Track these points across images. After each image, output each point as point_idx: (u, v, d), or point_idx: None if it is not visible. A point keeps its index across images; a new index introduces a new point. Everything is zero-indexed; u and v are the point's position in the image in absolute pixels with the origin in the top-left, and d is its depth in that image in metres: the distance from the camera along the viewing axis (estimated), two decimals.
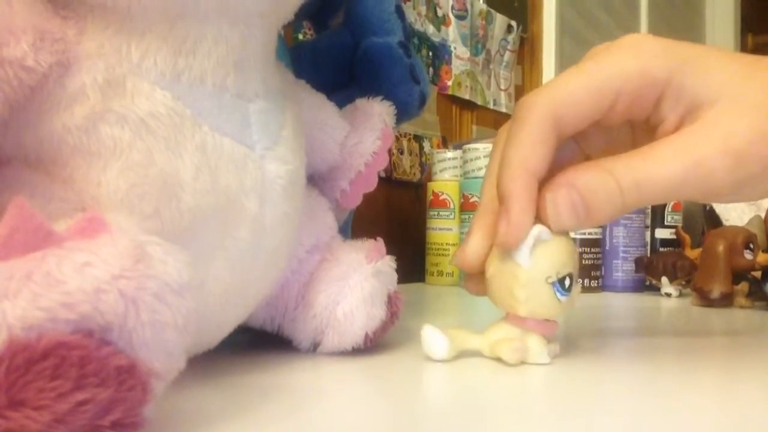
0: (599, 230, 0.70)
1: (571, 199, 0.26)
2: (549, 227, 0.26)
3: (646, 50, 0.26)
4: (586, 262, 0.68)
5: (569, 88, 0.26)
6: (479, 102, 1.02)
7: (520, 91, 1.15)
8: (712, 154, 0.25)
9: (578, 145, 0.31)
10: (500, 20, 1.06)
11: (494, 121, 1.07)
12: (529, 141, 0.26)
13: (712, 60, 0.26)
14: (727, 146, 0.25)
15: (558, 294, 0.27)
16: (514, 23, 1.10)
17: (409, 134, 0.86)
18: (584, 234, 0.68)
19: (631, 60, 0.26)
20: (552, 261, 0.27)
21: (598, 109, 0.27)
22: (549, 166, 0.27)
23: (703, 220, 0.84)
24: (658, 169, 0.25)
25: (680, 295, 0.64)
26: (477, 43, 1.01)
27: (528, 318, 0.28)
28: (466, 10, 0.98)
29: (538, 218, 0.27)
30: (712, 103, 0.25)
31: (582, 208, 0.26)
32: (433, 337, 0.28)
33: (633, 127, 0.30)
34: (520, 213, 0.26)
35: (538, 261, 0.27)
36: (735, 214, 0.80)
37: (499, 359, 0.28)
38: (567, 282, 0.27)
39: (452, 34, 0.96)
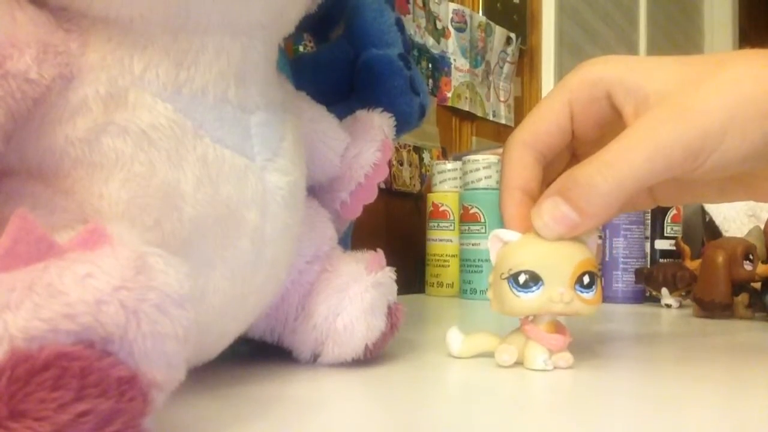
0: (599, 242, 0.70)
1: (554, 205, 0.27)
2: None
3: (589, 64, 0.31)
4: None
5: (530, 116, 0.32)
6: (479, 113, 1.03)
7: (519, 103, 1.15)
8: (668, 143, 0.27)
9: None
10: (499, 32, 1.07)
11: (494, 132, 1.07)
12: (510, 165, 0.31)
13: (647, 59, 0.30)
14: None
15: (515, 290, 0.28)
16: (513, 35, 1.11)
17: (409, 145, 0.86)
18: None
19: (574, 75, 0.31)
20: (507, 259, 0.28)
21: (559, 124, 0.31)
22: (538, 181, 0.31)
23: (702, 232, 0.84)
24: (627, 145, 0.27)
25: (680, 306, 0.64)
26: (476, 55, 1.02)
27: (532, 327, 0.29)
28: (466, 23, 0.99)
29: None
30: (656, 92, 0.28)
31: (571, 210, 0.27)
32: (451, 336, 0.31)
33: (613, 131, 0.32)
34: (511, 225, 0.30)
35: (498, 260, 0.29)
36: (735, 225, 0.80)
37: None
38: (522, 278, 0.28)
39: (452, 46, 0.96)
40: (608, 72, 0.30)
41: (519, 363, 0.29)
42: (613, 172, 0.26)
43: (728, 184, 0.32)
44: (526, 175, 0.31)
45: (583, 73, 0.30)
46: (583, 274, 0.28)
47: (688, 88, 0.27)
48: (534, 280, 0.28)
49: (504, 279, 0.28)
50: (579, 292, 0.28)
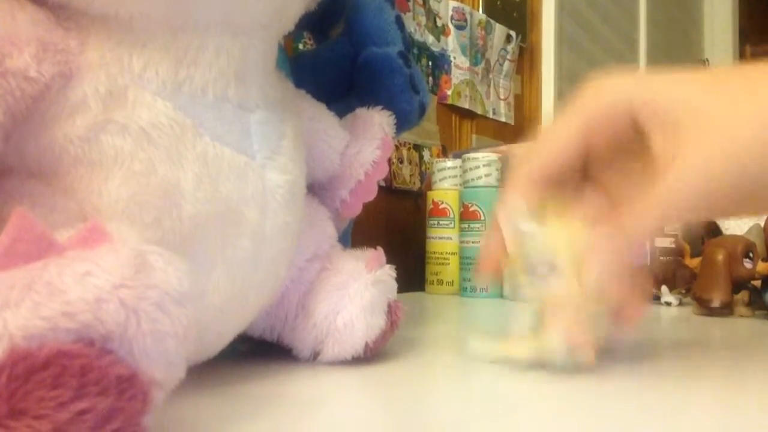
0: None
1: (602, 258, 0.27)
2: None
3: (605, 86, 0.29)
4: None
5: (546, 149, 0.30)
6: (479, 111, 1.02)
7: (519, 100, 1.15)
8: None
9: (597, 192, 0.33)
10: (499, 30, 1.07)
11: (494, 130, 1.07)
12: (514, 195, 0.30)
13: (668, 78, 0.29)
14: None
15: (537, 279, 0.29)
16: (513, 33, 1.10)
17: (409, 143, 0.86)
18: None
19: (592, 99, 0.29)
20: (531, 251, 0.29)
21: (572, 156, 0.30)
22: (540, 194, 0.30)
23: (702, 230, 0.84)
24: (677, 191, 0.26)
25: (680, 304, 0.64)
26: (476, 52, 1.02)
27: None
28: (466, 20, 0.99)
29: None
30: (687, 118, 0.27)
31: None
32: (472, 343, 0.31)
33: (636, 154, 0.31)
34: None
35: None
36: (734, 223, 0.80)
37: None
38: (546, 269, 0.28)
39: (452, 43, 0.96)
40: (629, 94, 0.28)
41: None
42: (662, 214, 0.27)
43: (745, 199, 0.32)
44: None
45: (602, 97, 0.29)
46: None
47: (722, 108, 0.26)
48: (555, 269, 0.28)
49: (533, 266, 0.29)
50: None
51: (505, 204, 0.30)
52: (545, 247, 0.28)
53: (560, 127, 0.30)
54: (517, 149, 0.77)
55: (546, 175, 0.30)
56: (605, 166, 0.32)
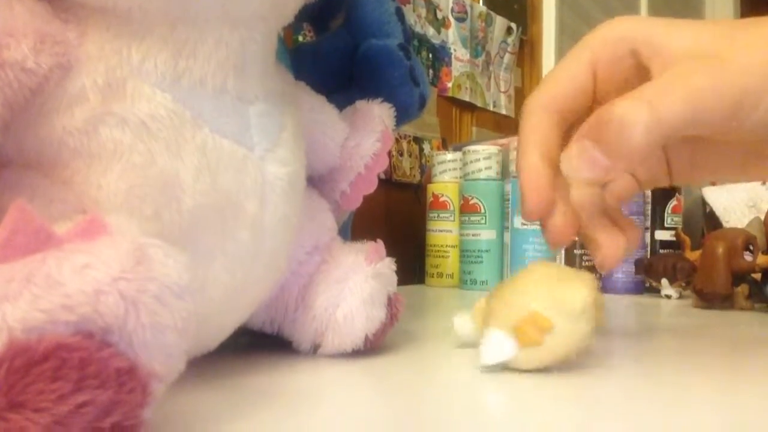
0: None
1: (583, 149, 0.26)
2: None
3: (610, 23, 0.29)
4: (587, 264, 0.68)
5: (549, 77, 0.30)
6: (479, 104, 1.02)
7: (519, 93, 1.15)
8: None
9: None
10: (500, 22, 1.06)
11: (494, 122, 1.07)
12: (530, 132, 0.30)
13: (675, 21, 0.28)
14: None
15: None
16: (513, 25, 1.10)
17: (409, 136, 0.86)
18: None
19: (596, 34, 0.30)
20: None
21: (580, 85, 0.29)
22: (559, 147, 0.29)
23: (702, 222, 0.84)
24: (660, 88, 0.25)
25: (680, 297, 0.64)
26: (477, 45, 1.02)
27: None
28: (466, 13, 0.98)
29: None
30: (685, 52, 0.26)
31: (598, 153, 0.26)
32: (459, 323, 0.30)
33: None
34: (532, 189, 0.29)
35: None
36: (735, 216, 0.80)
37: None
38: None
39: (452, 36, 0.96)
40: (633, 30, 0.28)
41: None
42: (650, 108, 0.25)
43: (752, 159, 0.31)
44: (546, 142, 0.29)
45: (605, 32, 0.29)
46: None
47: (720, 43, 0.26)
48: None
49: None
50: None
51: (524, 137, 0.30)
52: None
53: (568, 60, 0.30)
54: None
55: (557, 104, 0.30)
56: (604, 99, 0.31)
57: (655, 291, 0.66)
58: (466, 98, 0.99)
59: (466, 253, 0.73)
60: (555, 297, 0.26)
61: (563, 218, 0.30)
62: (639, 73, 0.28)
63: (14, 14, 0.19)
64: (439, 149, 0.90)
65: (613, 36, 0.29)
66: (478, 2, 1.03)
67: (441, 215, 0.77)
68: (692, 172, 0.33)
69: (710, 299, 0.55)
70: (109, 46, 0.21)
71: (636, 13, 1.62)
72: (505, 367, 0.26)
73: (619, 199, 0.34)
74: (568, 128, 0.30)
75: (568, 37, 1.25)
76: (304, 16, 0.28)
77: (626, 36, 0.28)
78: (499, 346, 0.26)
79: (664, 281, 0.63)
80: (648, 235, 0.73)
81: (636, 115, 0.25)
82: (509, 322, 0.26)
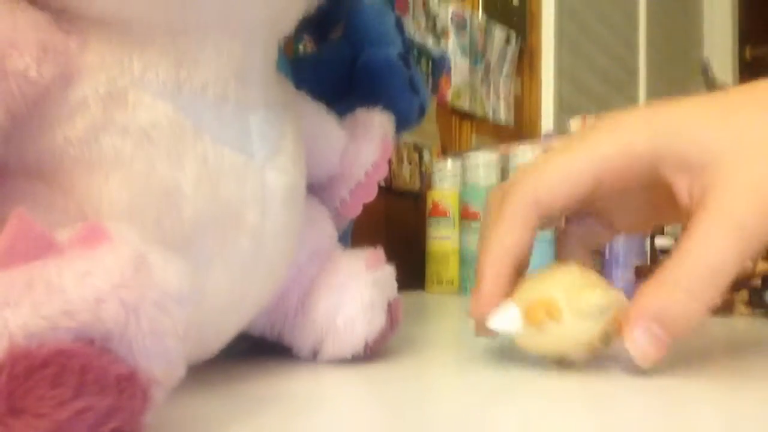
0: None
1: (650, 333, 0.26)
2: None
3: (624, 129, 0.28)
4: None
5: (549, 174, 0.28)
6: (478, 112, 1.03)
7: (518, 102, 1.15)
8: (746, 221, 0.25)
9: (596, 219, 0.32)
10: (499, 32, 1.07)
11: (493, 131, 1.07)
12: (508, 225, 0.28)
13: (693, 118, 0.27)
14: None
15: None
16: (513, 34, 1.11)
17: (409, 144, 0.86)
18: None
19: (608, 143, 0.28)
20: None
21: (577, 192, 0.28)
22: (530, 243, 0.28)
23: None
24: (714, 255, 0.25)
25: None
26: (476, 54, 1.02)
27: None
28: (465, 22, 0.99)
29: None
30: (714, 163, 0.26)
31: (665, 334, 0.26)
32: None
33: (645, 190, 0.30)
34: (488, 294, 0.28)
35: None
36: None
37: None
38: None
39: (451, 45, 0.96)
40: (653, 146, 0.27)
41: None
42: (710, 292, 0.25)
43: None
44: (524, 240, 0.28)
45: (621, 147, 0.27)
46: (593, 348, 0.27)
47: (749, 157, 0.25)
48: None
49: None
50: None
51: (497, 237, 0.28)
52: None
53: (572, 165, 0.28)
54: (517, 150, 0.77)
55: (550, 205, 0.28)
56: (609, 204, 0.31)
57: None
58: (466, 107, 0.99)
59: (466, 260, 0.73)
60: (572, 292, 0.27)
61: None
62: (652, 180, 0.28)
63: (17, 24, 0.20)
64: (438, 157, 0.90)
65: (634, 152, 0.27)
66: (478, 12, 1.03)
67: (441, 222, 0.77)
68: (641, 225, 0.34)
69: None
70: (111, 55, 0.21)
71: (634, 20, 1.63)
72: (505, 348, 0.27)
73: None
74: (544, 220, 0.29)
75: (566, 46, 1.26)
76: (304, 26, 0.28)
77: (648, 152, 0.27)
78: (508, 317, 0.27)
79: None
80: (648, 241, 0.73)
81: (694, 307, 0.25)
82: (525, 302, 0.27)
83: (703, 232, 0.25)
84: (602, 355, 0.29)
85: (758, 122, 0.26)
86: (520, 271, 0.29)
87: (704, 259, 0.25)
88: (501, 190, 0.30)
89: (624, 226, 0.34)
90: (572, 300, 0.26)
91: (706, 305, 0.25)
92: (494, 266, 0.28)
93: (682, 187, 0.27)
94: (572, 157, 0.28)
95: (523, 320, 0.27)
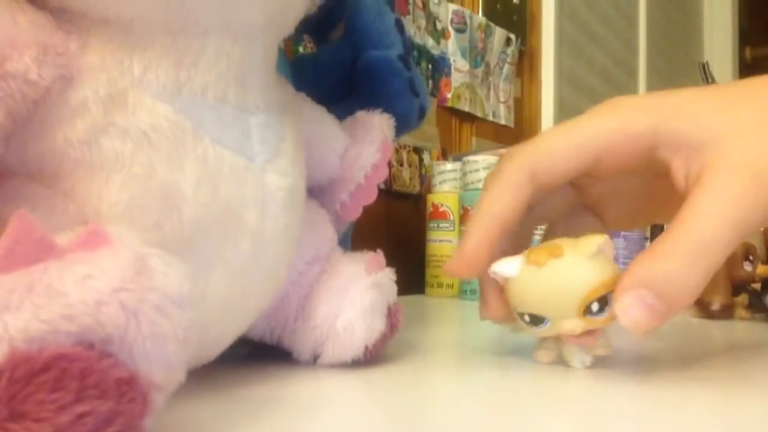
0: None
1: (641, 299, 0.25)
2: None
3: (626, 108, 0.28)
4: None
5: (549, 144, 0.29)
6: (479, 114, 1.03)
7: (519, 104, 1.15)
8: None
9: (577, 193, 0.32)
10: (499, 33, 1.07)
11: (494, 133, 1.07)
12: (500, 189, 0.28)
13: (693, 102, 0.27)
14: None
15: (526, 324, 0.28)
16: (513, 36, 1.11)
17: (409, 146, 0.86)
18: None
19: (610, 119, 0.28)
20: (512, 296, 0.28)
21: (576, 165, 0.28)
22: (520, 212, 0.29)
23: None
24: (708, 226, 0.25)
25: None
26: (476, 55, 1.02)
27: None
28: (465, 23, 0.99)
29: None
30: (711, 144, 0.26)
31: (660, 303, 0.25)
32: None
33: (640, 174, 0.30)
34: (469, 252, 0.28)
35: (507, 293, 0.29)
36: None
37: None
38: (527, 319, 0.28)
39: (451, 47, 0.96)
40: (653, 125, 0.27)
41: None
42: (704, 262, 0.25)
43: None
44: (513, 207, 0.28)
45: (623, 124, 0.28)
46: (592, 302, 0.27)
47: (746, 139, 0.25)
48: (539, 319, 0.28)
49: (517, 314, 0.29)
50: (591, 317, 0.27)
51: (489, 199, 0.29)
52: (526, 295, 0.28)
53: (571, 138, 0.28)
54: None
55: (546, 175, 0.28)
56: (605, 186, 0.31)
57: None
58: (466, 109, 0.99)
59: None
60: (574, 240, 0.27)
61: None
62: (649, 160, 0.28)
63: (17, 26, 0.20)
64: (438, 159, 0.90)
65: (632, 131, 0.27)
66: (478, 13, 1.04)
67: (441, 225, 0.77)
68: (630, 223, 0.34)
69: (710, 309, 0.54)
70: (111, 57, 0.21)
71: (634, 21, 1.63)
72: (505, 352, 0.27)
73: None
74: (539, 200, 0.30)
75: (567, 48, 1.26)
76: (304, 28, 0.28)
77: (646, 131, 0.27)
78: (509, 262, 0.28)
79: None
80: (647, 244, 0.73)
81: (691, 275, 0.25)
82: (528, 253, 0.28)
83: (697, 206, 0.25)
84: (602, 358, 0.29)
85: (756, 108, 0.26)
86: (509, 239, 0.29)
87: (698, 230, 0.25)
88: (510, 155, 0.30)
89: (614, 220, 0.33)
90: (573, 243, 0.27)
91: (702, 276, 0.25)
92: (480, 229, 0.28)
93: (679, 168, 0.27)
94: (573, 131, 0.28)
95: (525, 262, 0.27)
